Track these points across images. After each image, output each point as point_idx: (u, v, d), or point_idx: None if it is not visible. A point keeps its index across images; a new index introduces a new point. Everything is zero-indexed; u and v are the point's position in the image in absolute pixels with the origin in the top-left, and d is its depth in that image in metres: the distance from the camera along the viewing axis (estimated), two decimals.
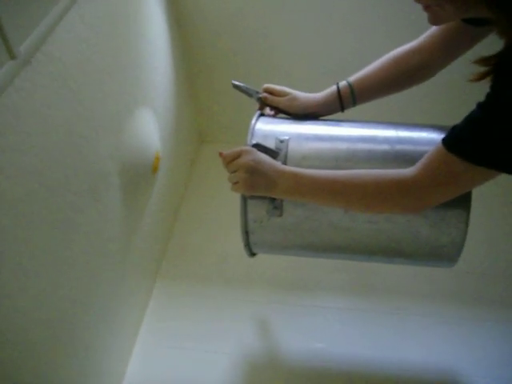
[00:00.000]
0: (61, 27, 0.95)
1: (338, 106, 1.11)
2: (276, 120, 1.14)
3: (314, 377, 1.34)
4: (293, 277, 1.57)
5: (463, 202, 0.99)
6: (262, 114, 1.17)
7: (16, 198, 0.85)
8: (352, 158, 1.03)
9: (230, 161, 0.96)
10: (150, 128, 1.42)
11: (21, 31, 0.83)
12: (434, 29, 1.03)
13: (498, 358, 1.34)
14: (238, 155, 0.96)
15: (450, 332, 1.40)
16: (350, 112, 1.12)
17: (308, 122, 1.14)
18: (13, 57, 0.81)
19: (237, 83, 1.18)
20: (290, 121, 1.14)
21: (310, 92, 1.15)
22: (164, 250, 1.67)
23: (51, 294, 0.98)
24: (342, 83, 1.10)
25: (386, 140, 1.06)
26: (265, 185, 0.95)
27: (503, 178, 0.84)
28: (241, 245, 1.19)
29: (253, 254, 1.15)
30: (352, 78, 1.10)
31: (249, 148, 0.98)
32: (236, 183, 0.96)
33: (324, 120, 1.15)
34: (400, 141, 1.05)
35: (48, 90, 0.91)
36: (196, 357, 1.39)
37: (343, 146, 1.05)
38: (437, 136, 0.84)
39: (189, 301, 1.53)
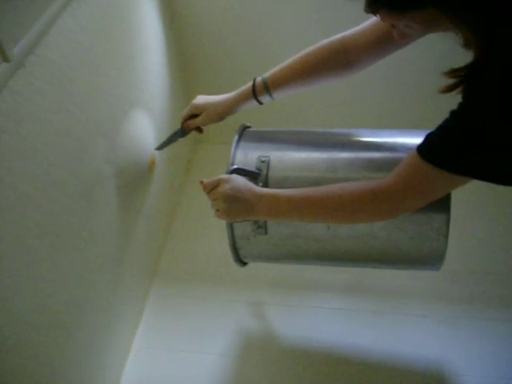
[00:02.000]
0: (55, 29, 0.94)
1: (253, 99, 1.13)
2: (257, 136, 1.16)
3: (310, 377, 1.34)
4: (289, 278, 1.57)
5: (441, 214, 0.99)
6: (247, 127, 1.19)
7: (11, 201, 0.84)
8: (333, 169, 1.05)
9: (209, 190, 1.00)
10: (146, 130, 1.42)
11: (14, 33, 0.83)
12: (365, 27, 1.02)
13: (493, 356, 1.34)
14: (217, 184, 0.99)
15: (446, 331, 1.40)
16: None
17: (290, 133, 1.16)
18: (6, 59, 0.80)
19: (158, 147, 1.28)
20: (272, 134, 1.16)
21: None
22: (160, 252, 1.67)
23: (47, 297, 0.97)
24: (258, 78, 1.12)
25: (366, 147, 1.07)
26: (245, 210, 0.98)
27: None
28: None
29: (244, 264, 1.19)
30: (268, 72, 1.12)
31: (226, 176, 1.00)
32: (217, 210, 1.00)
33: (306, 131, 1.17)
34: (379, 148, 1.06)
35: (42, 93, 0.91)
36: (193, 358, 1.39)
37: (324, 157, 1.07)
38: (416, 141, 0.86)
39: (186, 302, 1.53)
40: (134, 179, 1.35)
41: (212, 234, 1.70)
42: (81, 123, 1.06)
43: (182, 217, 1.79)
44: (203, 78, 1.86)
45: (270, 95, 1.12)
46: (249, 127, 1.21)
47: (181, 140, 1.31)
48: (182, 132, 1.24)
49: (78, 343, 1.12)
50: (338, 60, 1.06)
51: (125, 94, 1.30)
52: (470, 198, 1.67)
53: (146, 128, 1.42)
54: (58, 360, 1.04)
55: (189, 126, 1.21)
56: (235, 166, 1.05)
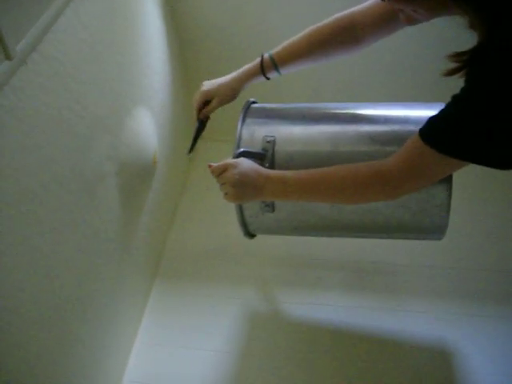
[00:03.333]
0: (57, 27, 0.94)
1: (261, 76, 1.16)
2: (263, 113, 1.18)
3: (312, 374, 1.34)
4: (292, 275, 1.57)
5: (443, 192, 1.02)
6: (253, 102, 1.21)
7: (13, 197, 0.84)
8: (337, 144, 1.07)
9: (217, 174, 1.02)
10: (148, 127, 1.42)
11: (16, 31, 0.83)
12: (374, 3, 1.04)
13: (493, 353, 1.34)
14: (224, 169, 1.01)
15: (451, 329, 1.40)
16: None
17: (295, 109, 1.18)
18: (8, 57, 0.80)
19: (189, 150, 1.29)
20: (277, 111, 1.19)
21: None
22: (163, 249, 1.67)
23: (49, 294, 0.98)
24: (265, 55, 1.14)
25: (370, 122, 1.09)
26: (252, 193, 1.01)
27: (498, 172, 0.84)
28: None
29: (253, 236, 1.22)
30: (275, 49, 1.14)
31: (233, 161, 1.02)
32: (226, 194, 1.02)
33: (312, 106, 1.19)
34: (383, 122, 1.08)
35: (45, 90, 0.91)
36: (195, 355, 1.39)
37: (328, 133, 1.09)
38: (418, 114, 0.87)
39: (188, 299, 1.53)
40: (136, 176, 1.35)
41: (213, 230, 1.70)
42: (83, 120, 1.06)
43: (183, 214, 1.79)
44: (204, 74, 1.85)
45: (278, 71, 1.14)
46: (254, 102, 1.23)
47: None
48: (201, 124, 1.24)
49: (80, 340, 1.12)
50: (346, 36, 1.07)
51: (127, 90, 1.30)
52: (472, 194, 1.67)
53: (147, 125, 1.42)
54: (60, 357, 1.04)
55: (204, 114, 1.22)
56: (241, 149, 1.07)
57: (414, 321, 1.43)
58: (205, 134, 2.05)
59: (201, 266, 1.62)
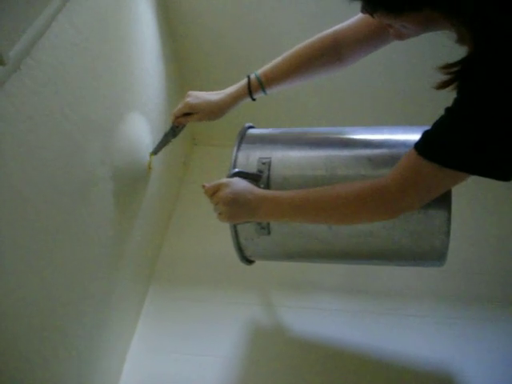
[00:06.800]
0: (50, 32, 0.94)
1: (248, 97, 1.16)
2: (258, 137, 1.18)
3: (310, 379, 1.34)
4: (287, 279, 1.56)
5: (442, 213, 1.00)
6: (249, 127, 1.21)
7: (6, 203, 0.84)
8: (332, 168, 1.06)
9: (211, 194, 1.02)
10: (142, 132, 1.42)
11: (9, 37, 0.83)
12: (357, 21, 1.04)
13: (492, 357, 1.34)
14: (218, 188, 1.01)
15: (446, 332, 1.40)
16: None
17: (290, 133, 1.18)
18: (2, 63, 0.80)
19: (154, 151, 1.34)
20: (273, 135, 1.18)
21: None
22: (158, 254, 1.67)
23: (42, 299, 0.97)
24: (251, 76, 1.15)
25: (366, 145, 1.08)
26: (246, 213, 1.00)
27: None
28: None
29: (250, 262, 1.20)
30: (261, 69, 1.15)
31: (227, 181, 1.02)
32: (220, 214, 1.02)
33: (306, 130, 1.19)
34: (378, 146, 1.07)
35: (38, 95, 0.91)
36: (191, 360, 1.39)
37: (323, 156, 1.08)
38: (415, 138, 0.87)
39: (183, 305, 1.53)
40: (130, 181, 1.34)
41: (209, 236, 1.70)
42: (76, 125, 1.06)
43: (179, 219, 1.79)
44: (200, 79, 1.86)
45: (264, 92, 1.15)
46: (251, 127, 1.22)
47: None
48: (173, 132, 1.26)
49: (74, 346, 1.11)
50: (331, 55, 1.08)
51: (121, 96, 1.30)
52: (471, 199, 1.68)
53: (142, 130, 1.42)
54: (54, 363, 1.03)
55: (181, 122, 1.22)
56: (236, 170, 1.06)
57: (413, 325, 1.42)
58: (199, 139, 2.06)
59: (195, 271, 1.62)
